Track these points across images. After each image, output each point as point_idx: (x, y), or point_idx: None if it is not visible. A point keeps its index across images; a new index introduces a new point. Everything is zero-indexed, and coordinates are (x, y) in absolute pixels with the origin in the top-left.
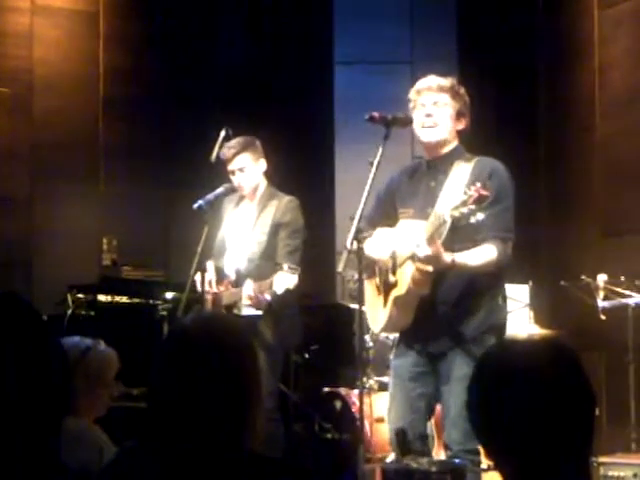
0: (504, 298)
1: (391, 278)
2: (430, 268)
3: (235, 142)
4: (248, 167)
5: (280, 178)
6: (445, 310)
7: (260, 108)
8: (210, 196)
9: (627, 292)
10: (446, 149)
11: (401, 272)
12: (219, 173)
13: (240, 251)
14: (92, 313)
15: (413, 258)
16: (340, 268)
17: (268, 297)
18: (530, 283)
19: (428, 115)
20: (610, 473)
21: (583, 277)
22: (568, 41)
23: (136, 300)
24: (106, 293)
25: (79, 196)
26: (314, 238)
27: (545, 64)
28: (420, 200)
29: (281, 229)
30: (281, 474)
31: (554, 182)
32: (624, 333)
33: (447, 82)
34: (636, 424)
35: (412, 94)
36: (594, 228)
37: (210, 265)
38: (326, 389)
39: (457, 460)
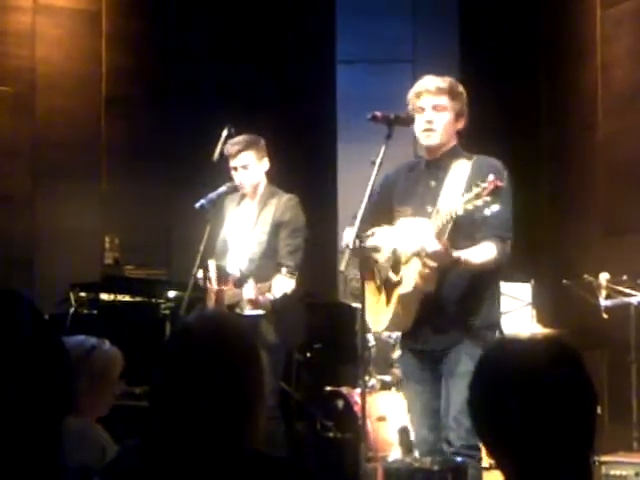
0: (499, 297)
1: (393, 277)
2: (435, 264)
3: (240, 139)
4: (251, 165)
5: (282, 177)
6: (447, 308)
7: (262, 107)
8: (212, 195)
9: (629, 291)
10: (445, 148)
11: (406, 269)
12: (221, 172)
13: (241, 251)
14: (94, 312)
15: (419, 254)
16: (342, 267)
17: (270, 297)
18: (532, 282)
19: (428, 121)
20: (612, 472)
21: (585, 276)
22: (570, 40)
23: (138, 299)
24: (108, 292)
25: (81, 195)
26: (316, 237)
27: (547, 63)
28: (419, 199)
29: (281, 228)
30: (282, 473)
31: (556, 181)
32: (626, 332)
33: (445, 83)
34: (638, 423)
35: (411, 97)
36: (596, 227)
37: (212, 264)
38: (328, 388)
39: (459, 459)
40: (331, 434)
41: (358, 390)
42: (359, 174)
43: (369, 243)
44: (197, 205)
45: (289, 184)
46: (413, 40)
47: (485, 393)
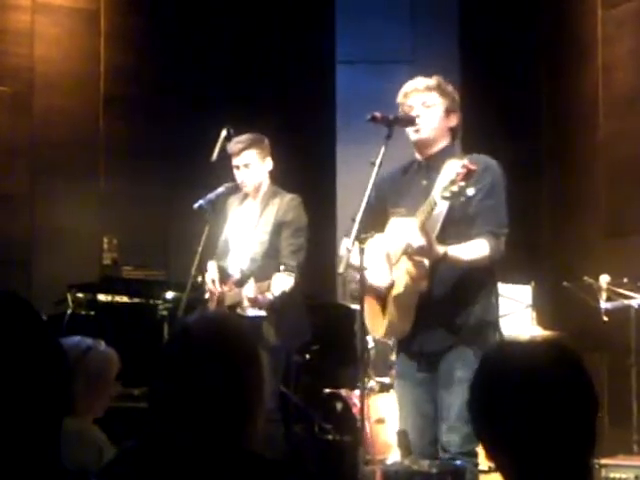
0: (496, 296)
1: (388, 281)
2: (425, 261)
3: (244, 138)
4: (253, 164)
5: (281, 178)
6: (441, 309)
7: (261, 107)
8: (211, 195)
9: (630, 293)
10: (437, 147)
11: (396, 270)
12: (220, 173)
13: (243, 251)
14: (92, 313)
15: (407, 253)
16: (341, 269)
17: (270, 296)
18: (532, 284)
19: (417, 116)
20: (612, 475)
21: (585, 278)
22: (571, 41)
23: (136, 300)
24: (106, 293)
25: (79, 195)
26: (315, 238)
27: (548, 64)
28: (412, 199)
29: (284, 228)
30: (281, 475)
31: (557, 182)
32: (627, 335)
33: (433, 81)
34: (638, 426)
35: (400, 97)
36: (597, 229)
37: (212, 265)
38: (327, 390)
39: (458, 462)
40: (330, 436)
41: (357, 392)
42: (358, 175)
43: (356, 261)
44: (196, 206)
45: (288, 184)
46: (413, 41)
47: (485, 396)
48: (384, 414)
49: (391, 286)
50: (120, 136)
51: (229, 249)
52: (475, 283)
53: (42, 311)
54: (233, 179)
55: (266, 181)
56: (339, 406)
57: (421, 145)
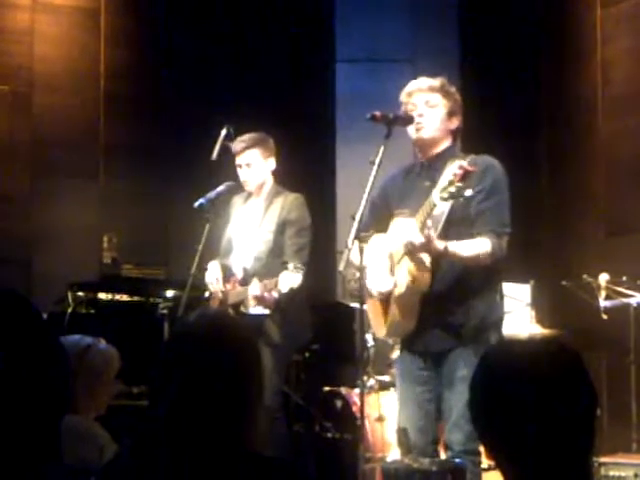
0: (501, 295)
1: (390, 283)
2: (427, 262)
3: (247, 137)
4: (256, 163)
5: (281, 177)
6: (445, 308)
7: (261, 106)
8: (211, 194)
9: (629, 292)
10: (439, 149)
11: (399, 270)
12: (220, 171)
13: (247, 249)
14: (92, 311)
15: (408, 252)
16: (341, 267)
17: (276, 295)
18: (531, 282)
19: (420, 115)
20: (611, 473)
21: (585, 277)
22: (570, 39)
23: (136, 298)
24: (106, 291)
25: (79, 193)
26: (315, 237)
27: (547, 62)
28: (415, 200)
29: (287, 227)
30: (281, 473)
31: (556, 181)
32: (626, 333)
33: (437, 82)
34: (637, 424)
35: (403, 96)
36: (596, 227)
37: (215, 264)
38: (327, 388)
39: (458, 460)
40: (330, 434)
41: (357, 390)
42: (358, 174)
43: (356, 261)
44: (196, 204)
45: (288, 183)
46: (413, 40)
47: (485, 394)
48: (384, 412)
49: (393, 288)
50: (120, 135)
51: (232, 248)
52: (480, 282)
53: (42, 310)
54: (233, 178)
55: (269, 180)
56: (339, 404)
57: (422, 145)
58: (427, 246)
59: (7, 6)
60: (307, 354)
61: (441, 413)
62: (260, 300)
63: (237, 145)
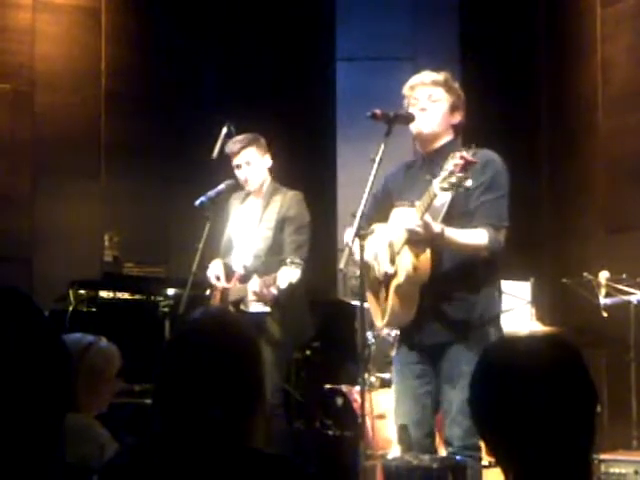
0: (500, 291)
1: (390, 269)
2: (427, 253)
3: (241, 137)
4: (254, 161)
5: (282, 175)
6: (444, 303)
7: (261, 105)
8: (212, 193)
9: (629, 289)
10: (440, 143)
11: (399, 260)
12: (220, 170)
13: (247, 247)
14: (94, 309)
15: (408, 242)
16: (341, 265)
17: (274, 291)
18: (532, 280)
19: (422, 109)
20: (611, 470)
21: (585, 274)
22: (570, 38)
23: (137, 296)
24: (107, 289)
25: (80, 192)
26: (315, 235)
27: (547, 61)
28: (416, 194)
29: (286, 224)
30: (282, 470)
31: (556, 179)
32: (626, 330)
33: (441, 76)
34: (637, 421)
35: (406, 90)
36: (596, 225)
37: (217, 262)
38: (327, 386)
39: (458, 457)
40: (330, 432)
41: (357, 388)
42: (359, 172)
43: (358, 257)
44: (197, 203)
45: (289, 181)
46: (413, 38)
47: (485, 391)
48: (385, 409)
49: (393, 275)
50: (121, 134)
51: (232, 246)
52: (479, 278)
53: (44, 308)
54: (233, 176)
55: (268, 178)
56: (340, 402)
57: (423, 139)
58: (423, 229)
59: (8, 5)
60: (308, 351)
61: (439, 407)
62: (259, 296)
63: (233, 146)
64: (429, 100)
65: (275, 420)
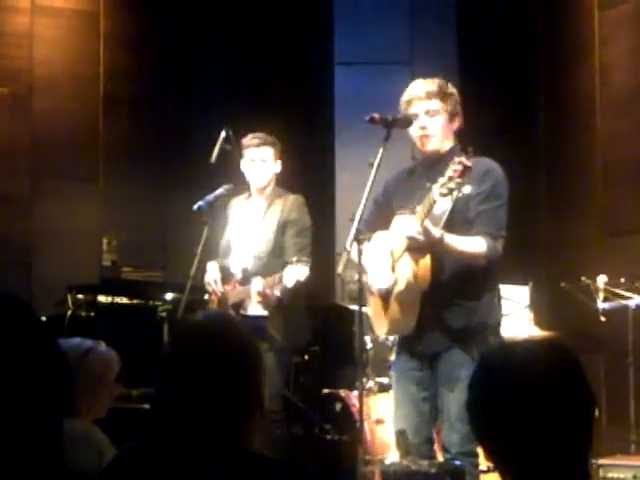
0: (499, 299)
1: (388, 282)
2: (427, 260)
3: (262, 134)
4: (270, 161)
5: (281, 178)
6: (444, 310)
7: (260, 109)
8: (210, 197)
9: (627, 294)
10: (442, 151)
11: (399, 267)
12: (219, 174)
13: (247, 249)
14: (92, 314)
15: (409, 249)
16: (340, 269)
17: (277, 293)
18: (530, 284)
19: (422, 127)
20: (610, 475)
21: (583, 278)
22: (568, 41)
23: (136, 301)
24: (106, 294)
25: (79, 196)
26: (314, 239)
27: (545, 64)
28: (416, 200)
29: (288, 227)
30: (280, 475)
31: (554, 182)
32: (624, 335)
33: (435, 86)
34: (636, 426)
35: (402, 104)
36: (594, 229)
37: (214, 265)
38: (326, 390)
39: (457, 462)
40: (329, 436)
41: (356, 393)
42: (357, 176)
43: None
44: (195, 207)
45: (287, 185)
46: (411, 42)
47: (483, 395)
48: (383, 414)
49: (393, 285)
50: (119, 137)
51: (231, 249)
52: (479, 285)
53: (42, 312)
54: (232, 180)
55: (273, 182)
56: (338, 406)
57: (428, 153)
58: (425, 235)
59: (7, 9)
60: (306, 356)
61: (437, 413)
62: (263, 296)
63: (253, 140)
64: (427, 116)
65: (274, 425)
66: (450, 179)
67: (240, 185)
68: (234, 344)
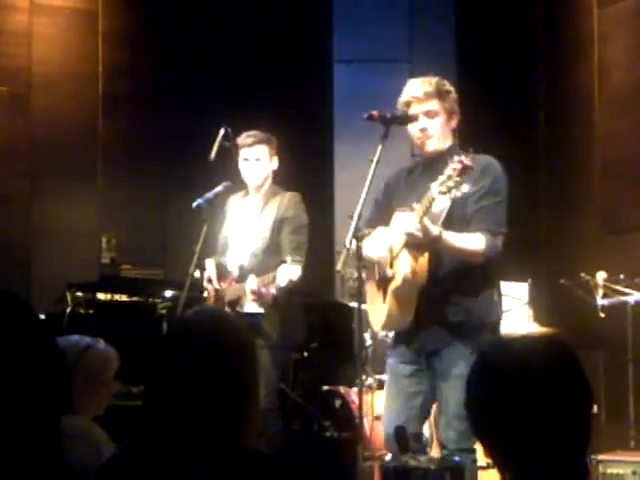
0: (499, 295)
1: (388, 272)
2: (425, 257)
3: (256, 132)
4: (263, 159)
5: (279, 176)
6: (442, 306)
7: (259, 107)
8: (209, 195)
9: (626, 290)
10: (441, 149)
11: (397, 263)
12: (218, 172)
13: (244, 247)
14: (91, 311)
15: (407, 246)
16: (339, 266)
17: (273, 291)
18: (529, 281)
19: (422, 129)
20: (609, 470)
21: (582, 275)
22: (568, 39)
23: (135, 298)
24: (105, 291)
25: (78, 194)
26: (313, 236)
27: (545, 62)
28: (416, 199)
29: (285, 225)
30: (277, 470)
31: (554, 180)
32: (623, 331)
33: (431, 86)
34: (635, 422)
35: (401, 105)
36: (594, 226)
37: (210, 262)
38: (325, 387)
39: (456, 458)
40: (328, 433)
41: (355, 389)
42: (356, 173)
43: (365, 254)
44: (194, 205)
45: (286, 182)
46: (410, 40)
47: (481, 391)
48: (382, 411)
49: (391, 278)
50: (118, 136)
51: (228, 246)
52: (479, 281)
53: (41, 310)
54: (231, 178)
55: (270, 179)
56: (338, 403)
57: (428, 153)
58: (422, 232)
59: (5, 8)
60: (306, 353)
61: (429, 409)
62: (257, 295)
63: (246, 139)
64: (427, 117)
65: (270, 422)
66: (449, 177)
67: (239, 183)
68: (228, 340)
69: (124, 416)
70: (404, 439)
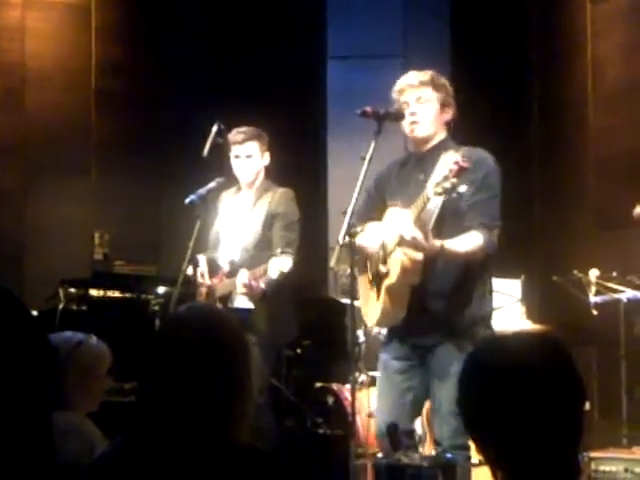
0: (490, 291)
1: (382, 268)
2: (419, 256)
3: (246, 129)
4: (255, 156)
5: (272, 172)
6: (436, 303)
7: (252, 103)
8: (202, 191)
9: (619, 287)
10: (433, 142)
11: (391, 260)
12: (211, 168)
13: (235, 242)
14: (84, 308)
15: (401, 244)
16: (332, 263)
17: (262, 285)
18: (522, 278)
19: (412, 113)
20: (601, 468)
21: (575, 272)
22: (561, 35)
23: (128, 295)
24: (98, 288)
25: (71, 190)
26: (306, 232)
27: (539, 58)
28: (409, 193)
29: (276, 220)
30: (269, 466)
31: (547, 177)
32: (616, 328)
33: (426, 76)
34: (627, 419)
35: (395, 93)
36: (586, 223)
37: (202, 258)
38: (318, 384)
39: (448, 455)
40: (321, 430)
41: (348, 386)
42: (349, 169)
43: (359, 243)
44: (187, 201)
45: (279, 178)
46: (404, 36)
47: (474, 389)
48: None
49: (385, 275)
50: (111, 131)
51: (220, 241)
52: (470, 278)
53: (34, 306)
54: (224, 174)
55: (262, 175)
56: (330, 400)
57: (419, 141)
58: (421, 244)
59: None
60: (298, 350)
61: (422, 405)
62: (248, 288)
63: (237, 136)
64: (419, 103)
65: (262, 419)
66: (445, 178)
67: (232, 179)
68: (220, 336)
69: (117, 412)
70: (396, 436)
